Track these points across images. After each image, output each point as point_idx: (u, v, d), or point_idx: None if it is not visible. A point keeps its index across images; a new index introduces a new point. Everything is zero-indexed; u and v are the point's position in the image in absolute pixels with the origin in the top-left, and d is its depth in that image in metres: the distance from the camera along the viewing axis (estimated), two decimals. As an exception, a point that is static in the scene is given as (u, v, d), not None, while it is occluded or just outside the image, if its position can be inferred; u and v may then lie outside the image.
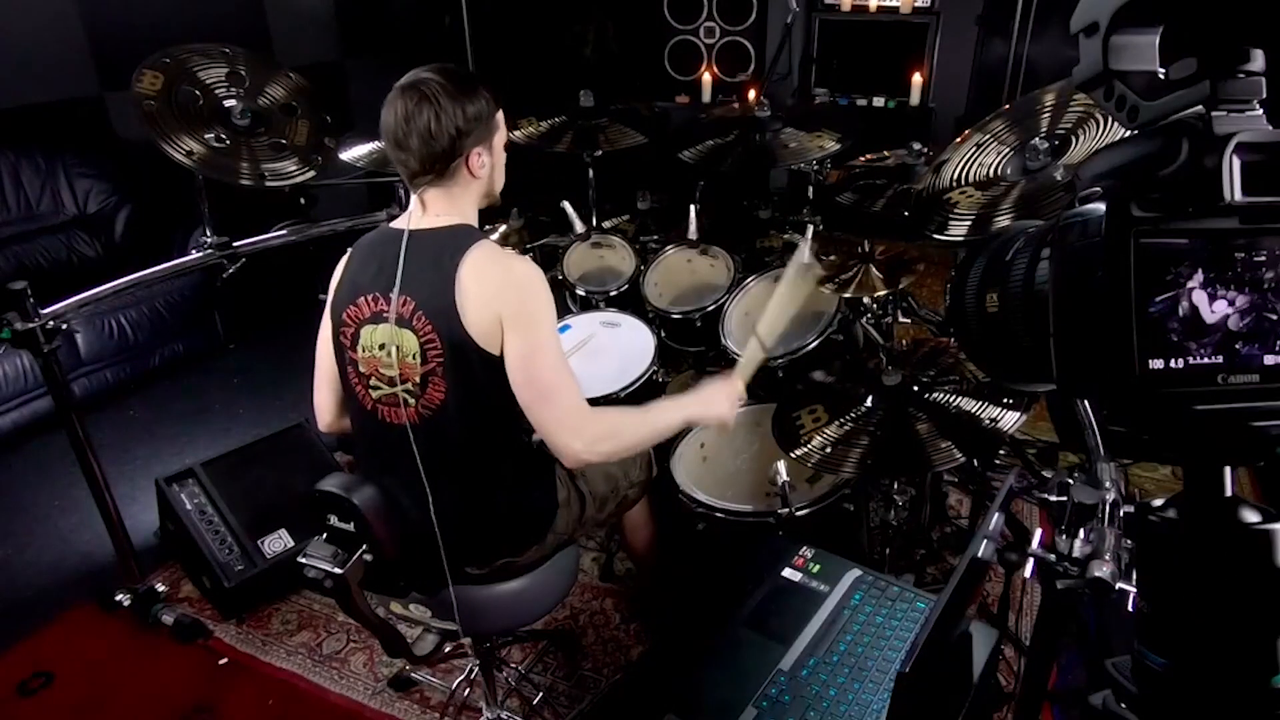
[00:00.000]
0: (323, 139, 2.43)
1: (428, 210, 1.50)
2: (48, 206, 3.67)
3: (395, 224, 1.52)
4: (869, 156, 2.53)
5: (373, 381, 1.50)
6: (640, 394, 2.21)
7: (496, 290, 1.42)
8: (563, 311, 2.57)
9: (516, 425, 1.53)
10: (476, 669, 1.96)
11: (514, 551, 1.60)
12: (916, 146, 2.39)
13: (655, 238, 2.89)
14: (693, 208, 2.71)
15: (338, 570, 1.40)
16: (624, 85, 4.92)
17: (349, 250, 1.59)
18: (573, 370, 1.48)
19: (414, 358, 1.44)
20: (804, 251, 1.83)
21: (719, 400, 1.65)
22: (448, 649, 2.14)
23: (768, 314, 1.78)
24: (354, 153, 2.47)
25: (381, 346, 1.47)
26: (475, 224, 1.54)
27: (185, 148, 2.16)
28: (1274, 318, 0.55)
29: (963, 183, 1.82)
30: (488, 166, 1.51)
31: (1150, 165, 0.56)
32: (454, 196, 1.50)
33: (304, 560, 1.43)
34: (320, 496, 1.43)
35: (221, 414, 3.44)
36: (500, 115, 1.52)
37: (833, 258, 2.33)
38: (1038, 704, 1.10)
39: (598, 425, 1.47)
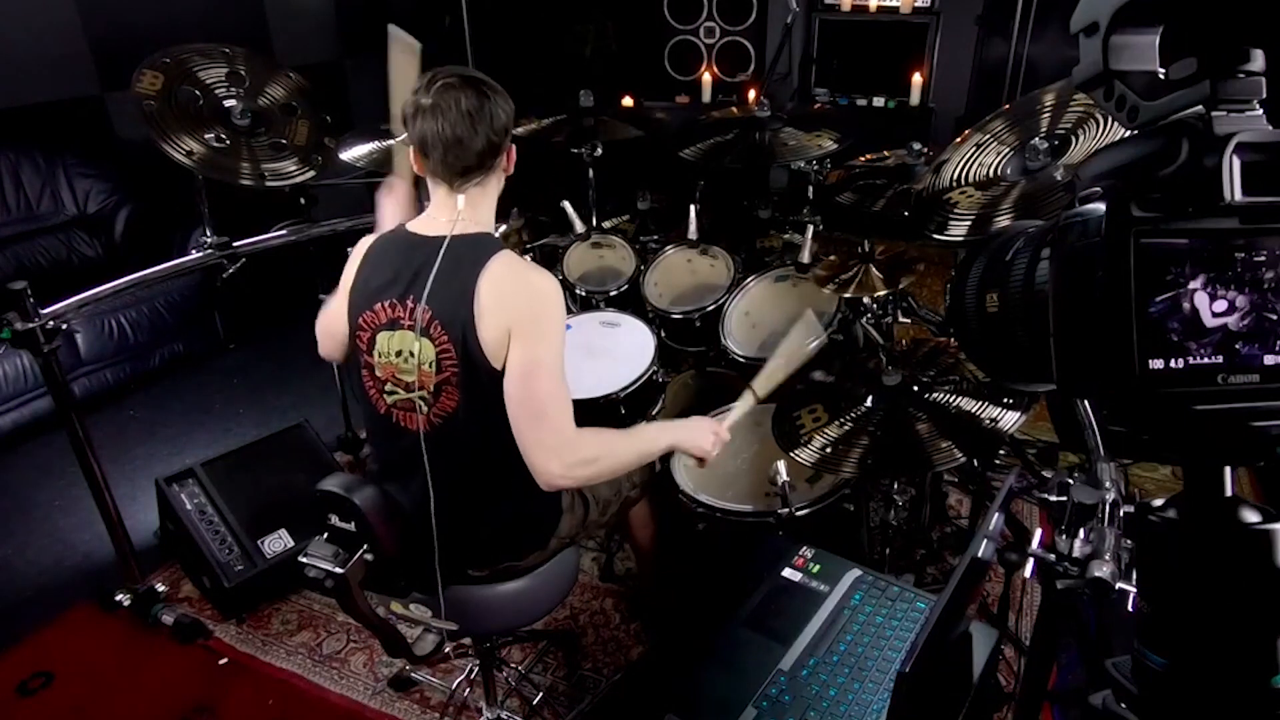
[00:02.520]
0: (323, 139, 2.43)
1: (451, 210, 1.47)
2: (48, 206, 3.67)
3: (415, 228, 1.50)
4: (869, 156, 2.53)
5: (388, 387, 1.49)
6: (640, 394, 2.21)
7: (510, 301, 1.41)
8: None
9: None
10: (476, 669, 1.96)
11: (517, 555, 1.61)
12: (916, 146, 2.39)
13: (655, 238, 2.89)
14: (693, 208, 2.71)
15: (338, 570, 1.41)
16: (624, 85, 4.92)
17: (364, 248, 1.57)
18: (569, 394, 1.45)
19: (430, 366, 1.44)
20: (808, 326, 1.84)
21: (704, 435, 1.62)
22: (448, 649, 2.14)
23: (767, 373, 1.78)
24: (354, 153, 2.47)
25: (398, 353, 1.46)
26: (492, 229, 1.54)
27: (185, 148, 2.16)
28: (1274, 318, 0.55)
29: (963, 183, 1.82)
30: (510, 165, 1.54)
31: (1150, 165, 0.56)
32: (488, 195, 1.52)
33: (305, 560, 1.43)
34: (321, 496, 1.43)
35: (221, 414, 3.44)
36: None
37: (832, 258, 2.33)
38: (1038, 704, 1.10)
39: (579, 451, 1.43)
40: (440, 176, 1.46)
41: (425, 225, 1.50)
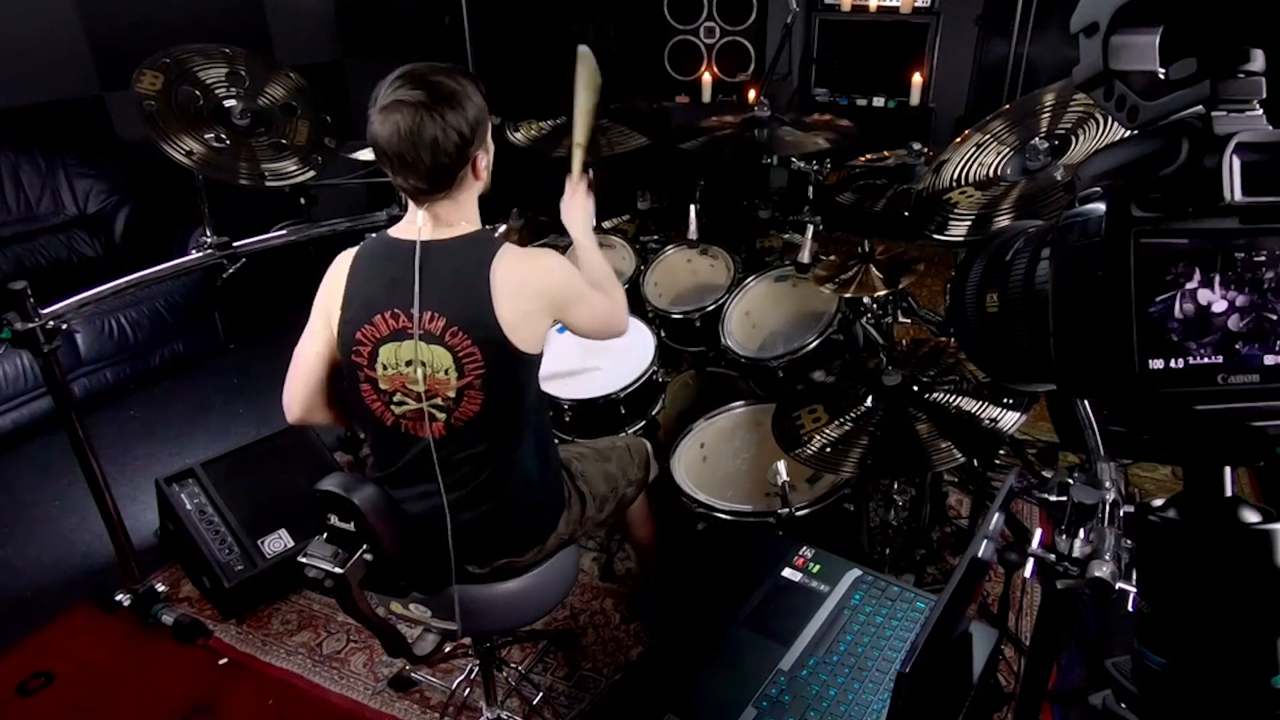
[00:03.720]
0: (323, 139, 2.43)
1: (438, 221, 1.45)
2: (48, 206, 3.67)
3: (397, 233, 1.47)
4: (869, 156, 2.53)
5: (396, 398, 1.46)
6: (640, 394, 2.21)
7: (537, 291, 1.44)
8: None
9: (535, 429, 1.55)
10: (476, 669, 1.96)
11: (516, 552, 1.60)
12: (916, 146, 2.39)
13: (655, 238, 2.89)
14: (693, 208, 2.71)
15: (338, 570, 1.40)
16: (624, 85, 4.92)
17: (348, 262, 1.51)
18: (606, 292, 1.67)
19: (447, 373, 1.42)
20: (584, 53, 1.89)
21: (577, 208, 1.87)
22: (448, 649, 2.14)
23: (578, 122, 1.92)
24: (354, 153, 2.47)
25: (408, 363, 1.43)
26: (481, 224, 1.52)
27: (185, 148, 2.15)
28: (1274, 318, 0.55)
29: (963, 183, 1.82)
30: (487, 165, 1.48)
31: (1150, 165, 0.56)
32: (462, 204, 1.47)
33: (304, 560, 1.43)
34: (321, 496, 1.43)
35: (221, 414, 3.44)
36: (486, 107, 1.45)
37: (832, 258, 2.33)
38: (1038, 704, 1.10)
39: (620, 307, 1.73)
40: (403, 191, 1.43)
41: (408, 231, 1.46)
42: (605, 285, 1.72)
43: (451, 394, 1.43)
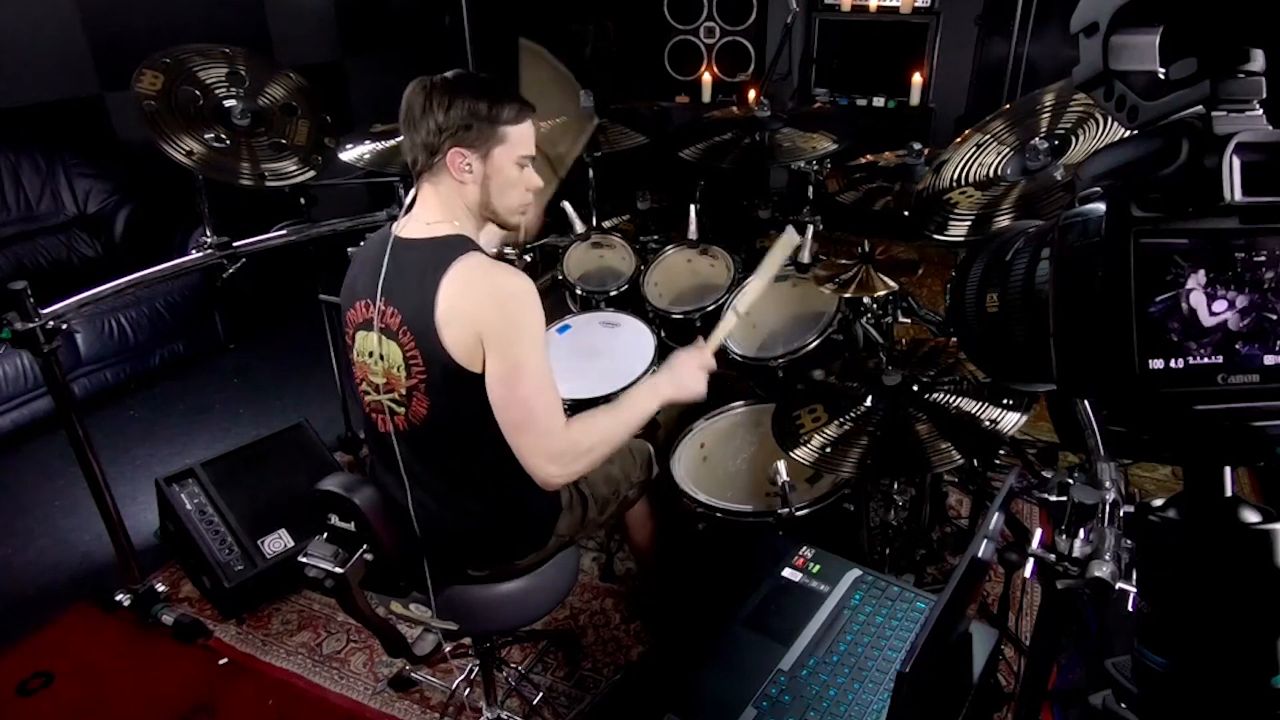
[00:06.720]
0: (323, 139, 2.43)
1: (423, 208, 1.48)
2: (48, 206, 3.67)
3: (395, 227, 1.52)
4: (869, 158, 2.53)
5: (364, 386, 1.51)
6: (640, 394, 2.21)
7: (477, 305, 1.37)
8: (563, 311, 2.57)
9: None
10: (476, 669, 1.96)
11: (516, 555, 1.61)
12: (916, 146, 2.39)
13: (655, 238, 2.89)
14: (693, 208, 2.71)
15: (338, 570, 1.41)
16: (624, 85, 4.93)
17: (354, 251, 1.62)
18: (557, 391, 1.43)
19: (399, 370, 1.43)
20: (790, 237, 1.82)
21: (692, 377, 1.63)
22: (448, 649, 2.14)
23: (749, 290, 1.80)
24: (354, 153, 2.47)
25: (370, 354, 1.47)
26: (472, 234, 1.49)
27: (185, 148, 2.16)
28: (1274, 318, 0.55)
29: (963, 183, 1.82)
30: (475, 174, 1.44)
31: (1150, 165, 0.56)
32: (444, 197, 1.47)
33: (304, 560, 1.43)
34: (321, 496, 1.43)
35: (221, 414, 3.44)
36: (512, 131, 1.45)
37: (831, 259, 2.33)
38: (1038, 704, 1.10)
39: (572, 448, 1.43)
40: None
41: (400, 225, 1.50)
42: (600, 431, 1.48)
43: (403, 390, 1.44)
